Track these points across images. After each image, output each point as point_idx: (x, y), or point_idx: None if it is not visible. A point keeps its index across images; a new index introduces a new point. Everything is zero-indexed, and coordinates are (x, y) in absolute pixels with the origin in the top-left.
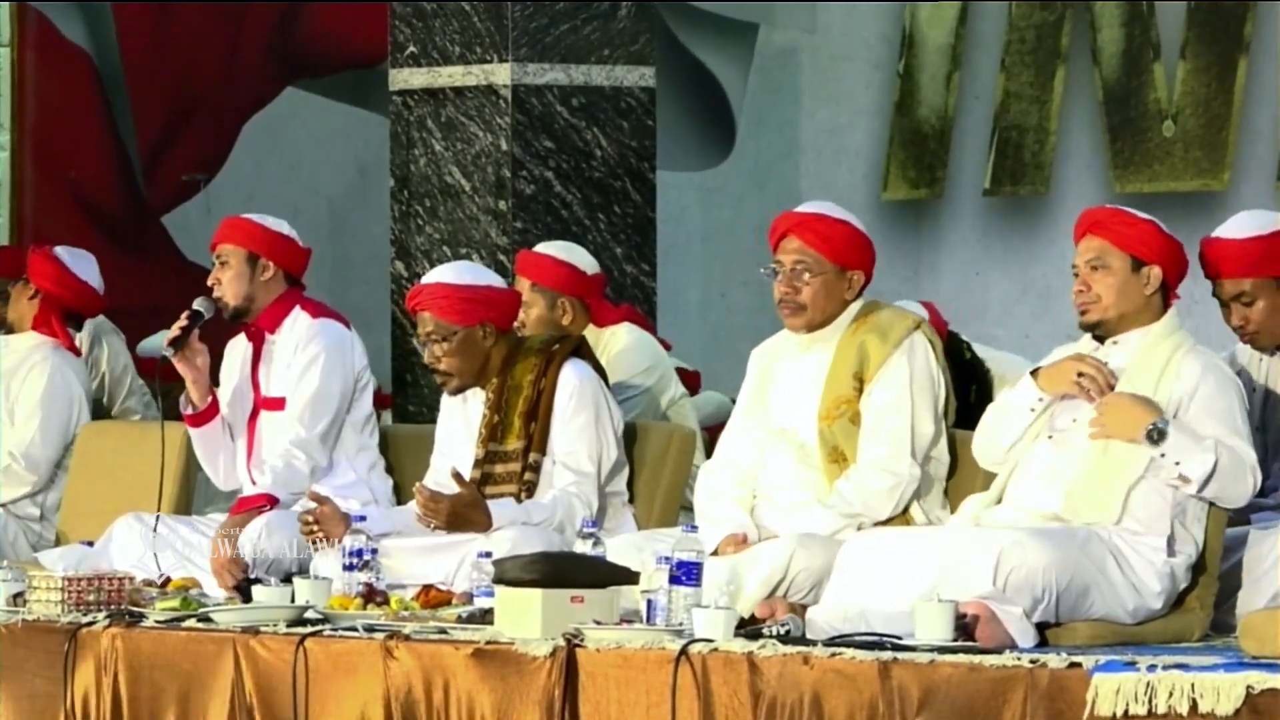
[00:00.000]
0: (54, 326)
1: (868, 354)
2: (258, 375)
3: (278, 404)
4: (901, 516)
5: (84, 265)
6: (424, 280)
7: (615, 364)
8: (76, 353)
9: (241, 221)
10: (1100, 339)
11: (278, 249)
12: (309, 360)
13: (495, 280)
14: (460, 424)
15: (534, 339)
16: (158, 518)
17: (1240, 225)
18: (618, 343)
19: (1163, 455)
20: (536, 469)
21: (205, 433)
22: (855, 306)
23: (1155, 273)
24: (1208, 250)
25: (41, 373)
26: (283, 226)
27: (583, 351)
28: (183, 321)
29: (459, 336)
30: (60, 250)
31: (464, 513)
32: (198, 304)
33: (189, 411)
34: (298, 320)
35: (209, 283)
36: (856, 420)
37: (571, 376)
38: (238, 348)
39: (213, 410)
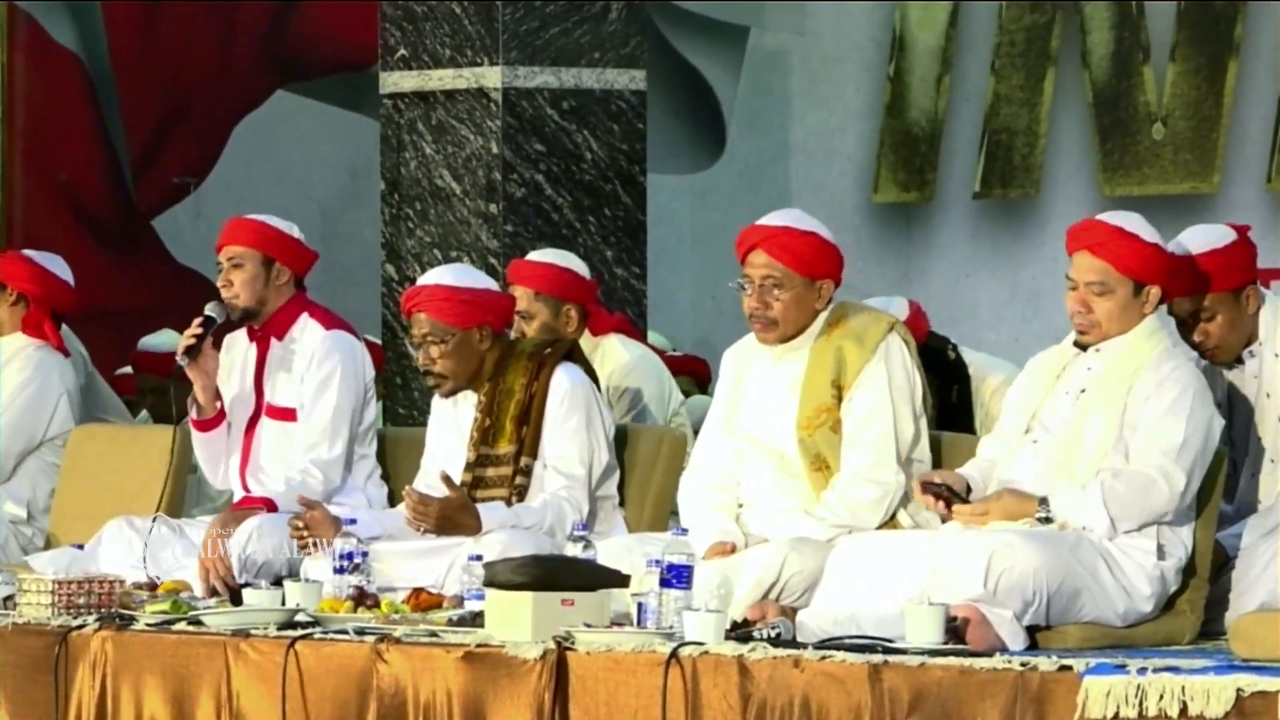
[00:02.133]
0: (45, 330)
1: (845, 360)
2: (262, 381)
3: (286, 414)
4: (889, 523)
5: (55, 264)
6: (420, 282)
7: (621, 393)
8: (66, 353)
9: (256, 224)
10: (1084, 348)
11: (291, 252)
12: (326, 376)
13: (491, 284)
14: (450, 427)
15: (526, 342)
16: (155, 519)
17: (1194, 241)
18: (612, 362)
19: (1062, 528)
20: (528, 473)
21: (211, 438)
22: (825, 312)
23: (1155, 292)
24: (1182, 265)
25: (21, 369)
26: (293, 229)
27: (574, 355)
28: (196, 329)
29: (456, 339)
30: (30, 253)
31: (453, 516)
32: (209, 309)
33: (196, 416)
34: (307, 329)
35: (220, 285)
36: (837, 428)
37: (563, 380)
38: (238, 349)
39: (220, 415)
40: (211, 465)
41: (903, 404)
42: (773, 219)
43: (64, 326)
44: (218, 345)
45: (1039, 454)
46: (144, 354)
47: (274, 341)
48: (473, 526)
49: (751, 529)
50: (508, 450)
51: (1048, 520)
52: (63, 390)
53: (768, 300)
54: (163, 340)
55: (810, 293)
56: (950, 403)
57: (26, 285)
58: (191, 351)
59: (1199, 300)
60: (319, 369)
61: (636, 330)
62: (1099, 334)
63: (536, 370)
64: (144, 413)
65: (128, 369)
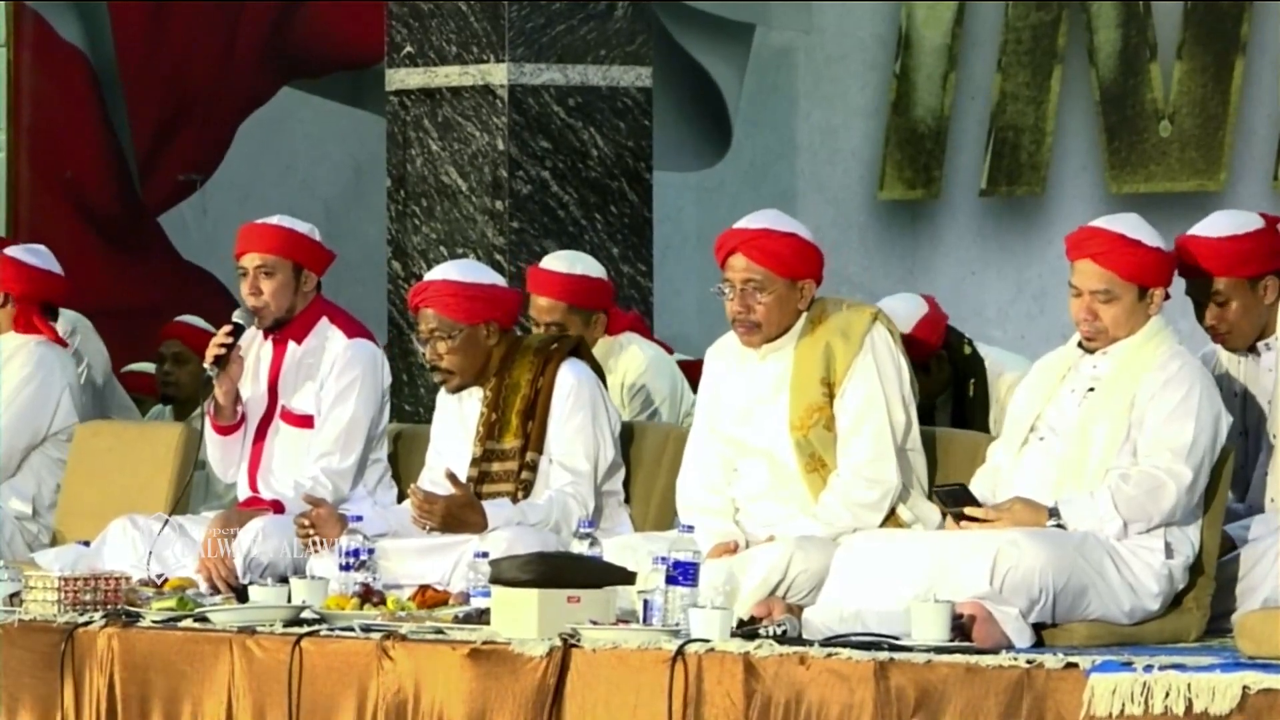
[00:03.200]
0: (36, 324)
1: (834, 357)
2: (277, 385)
3: (303, 421)
4: (889, 519)
5: (41, 257)
6: (428, 277)
7: (637, 391)
8: (64, 344)
9: (284, 230)
10: (1090, 350)
11: (317, 258)
12: (345, 386)
13: (498, 279)
14: (456, 423)
15: (532, 338)
16: (166, 520)
17: (1217, 224)
18: (630, 362)
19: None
20: (533, 468)
21: (229, 441)
22: (806, 310)
23: (1159, 294)
24: (1184, 248)
25: (23, 365)
26: (314, 232)
27: (580, 351)
28: (225, 339)
29: (463, 335)
30: (12, 250)
31: (459, 513)
32: (238, 316)
33: (217, 419)
34: (329, 336)
35: (247, 292)
36: (831, 426)
37: (569, 376)
38: (252, 347)
39: (241, 420)
40: (224, 466)
41: (894, 395)
42: (751, 221)
43: (88, 325)
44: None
45: (1047, 453)
46: (179, 324)
47: (292, 345)
48: (478, 524)
49: (750, 531)
50: (513, 445)
51: (1061, 529)
52: (65, 384)
53: (750, 303)
54: (195, 319)
55: (792, 293)
56: (967, 398)
57: (16, 287)
58: (220, 361)
59: (1215, 283)
60: (340, 378)
61: (647, 330)
62: (1106, 340)
63: (542, 366)
64: (156, 407)
65: (134, 366)
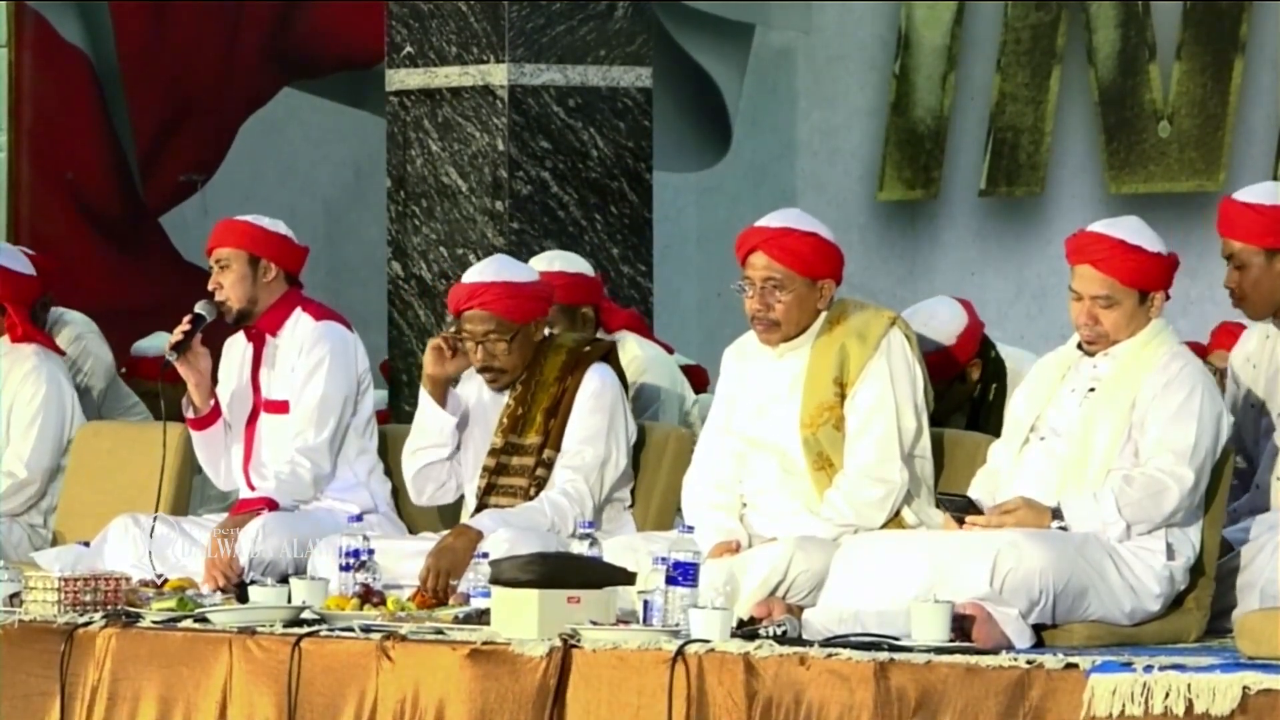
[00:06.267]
0: (30, 332)
1: (848, 356)
2: (259, 378)
3: (280, 407)
4: (894, 521)
5: (9, 257)
6: (474, 278)
7: (635, 391)
8: (59, 351)
9: (240, 224)
10: (1090, 353)
11: (277, 249)
12: (314, 364)
13: (536, 274)
14: (475, 408)
15: (565, 337)
16: (155, 519)
17: (1259, 192)
18: (627, 360)
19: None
20: (549, 465)
21: (208, 436)
22: (826, 309)
23: (1160, 298)
24: (1220, 206)
25: (37, 381)
26: (279, 226)
27: (610, 358)
28: (184, 326)
29: (519, 334)
30: None
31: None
32: (199, 307)
33: (191, 415)
34: (300, 322)
35: (210, 287)
36: (840, 426)
37: (595, 379)
38: (236, 349)
39: (215, 414)
40: (212, 465)
41: (905, 400)
42: (772, 220)
43: (95, 330)
44: (217, 348)
45: (1048, 454)
46: (135, 359)
47: (268, 338)
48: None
49: (756, 528)
50: (534, 442)
51: (1064, 530)
52: (72, 393)
53: (769, 302)
54: (155, 344)
55: (812, 293)
56: (986, 401)
57: None
58: (180, 347)
59: (1231, 245)
60: (308, 357)
61: (646, 328)
62: (1107, 343)
63: (573, 366)
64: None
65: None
